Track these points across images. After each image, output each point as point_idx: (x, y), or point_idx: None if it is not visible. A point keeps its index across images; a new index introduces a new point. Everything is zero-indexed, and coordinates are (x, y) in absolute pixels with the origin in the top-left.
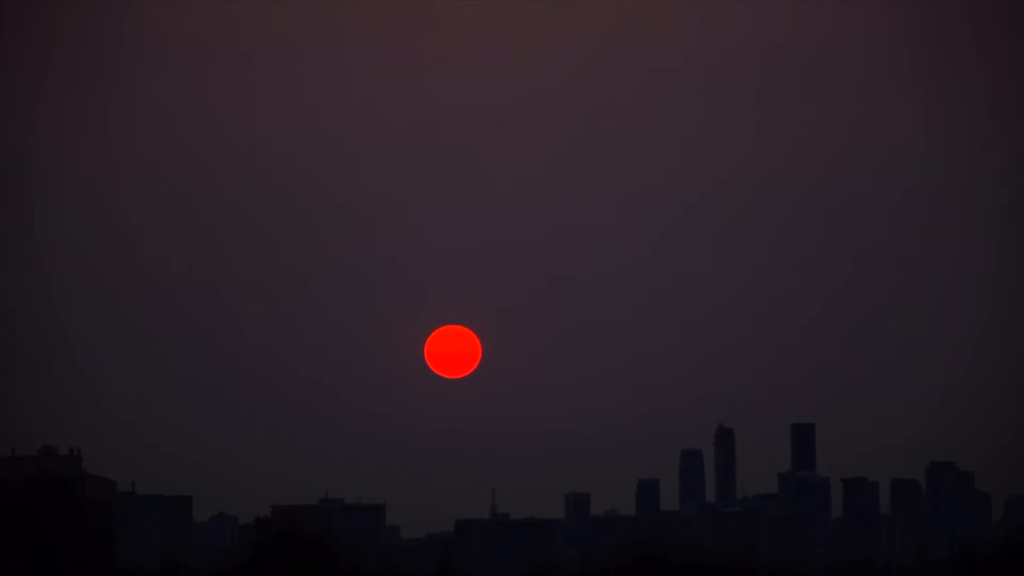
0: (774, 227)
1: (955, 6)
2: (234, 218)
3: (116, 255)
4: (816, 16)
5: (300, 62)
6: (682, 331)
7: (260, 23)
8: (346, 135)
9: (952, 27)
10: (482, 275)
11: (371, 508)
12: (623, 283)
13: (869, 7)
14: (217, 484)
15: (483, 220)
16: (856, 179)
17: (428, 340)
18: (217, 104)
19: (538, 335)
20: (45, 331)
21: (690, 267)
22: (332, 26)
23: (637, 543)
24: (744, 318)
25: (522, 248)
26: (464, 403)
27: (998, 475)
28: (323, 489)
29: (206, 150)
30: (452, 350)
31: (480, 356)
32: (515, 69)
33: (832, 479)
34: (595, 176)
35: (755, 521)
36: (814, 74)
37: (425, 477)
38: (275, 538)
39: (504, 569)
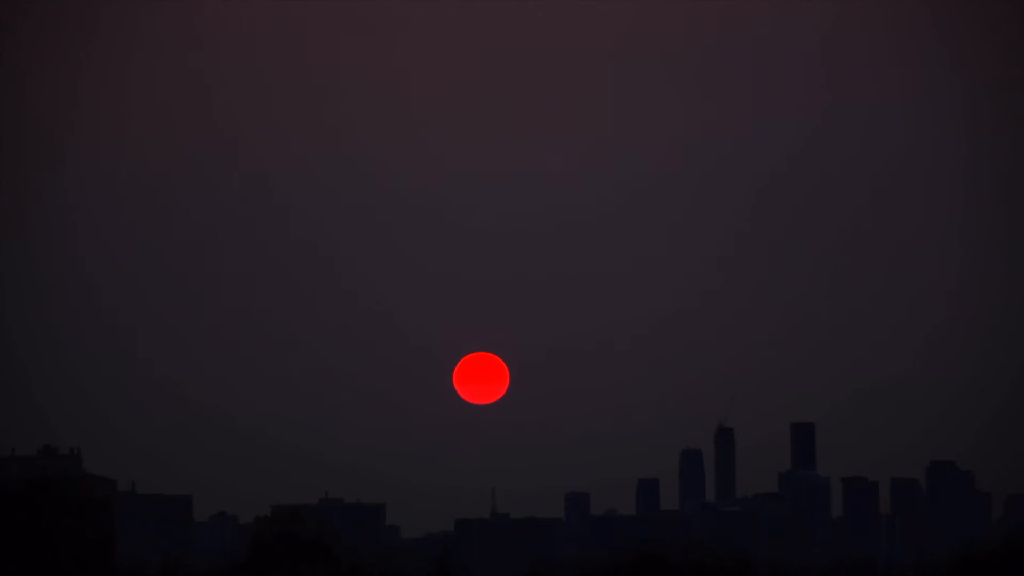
0: (775, 226)
1: None
2: (242, 219)
3: (116, 255)
4: None
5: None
6: (682, 331)
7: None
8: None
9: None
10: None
11: (371, 508)
12: (623, 282)
13: None
14: (217, 484)
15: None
16: (859, 176)
17: (458, 365)
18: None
19: (539, 336)
20: (46, 331)
21: (691, 267)
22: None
23: (637, 543)
24: (745, 318)
25: (522, 246)
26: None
27: (998, 475)
28: (323, 489)
29: (220, 147)
30: (478, 376)
31: (508, 382)
32: (537, 94)
33: (832, 479)
34: (592, 175)
35: (755, 521)
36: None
37: (425, 477)
38: (275, 538)
39: (504, 569)
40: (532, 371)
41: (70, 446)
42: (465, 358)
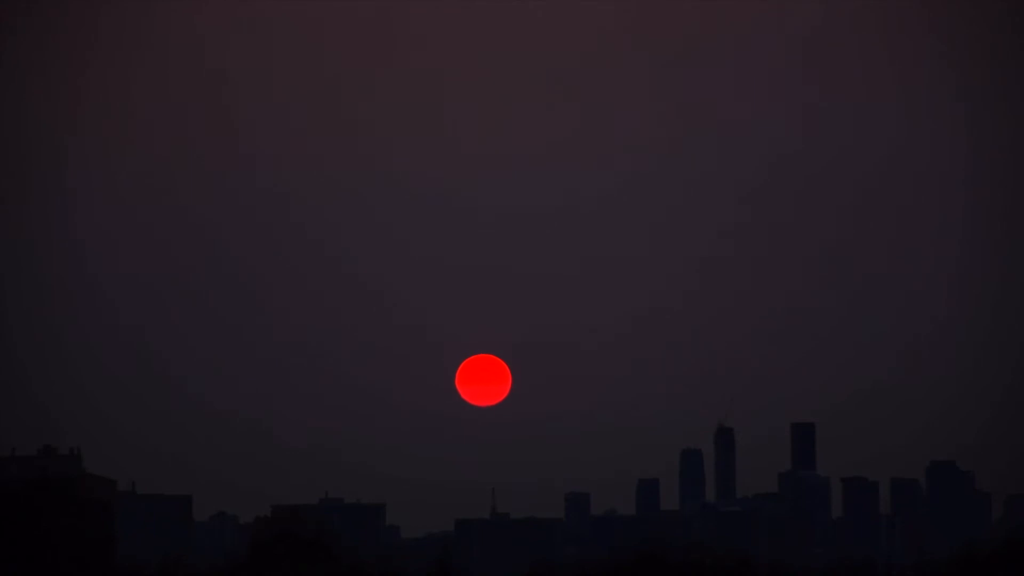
0: (776, 226)
1: None
2: (244, 220)
3: (117, 255)
4: None
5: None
6: (682, 331)
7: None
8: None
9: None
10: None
11: (371, 508)
12: (622, 282)
13: None
14: (217, 484)
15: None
16: (859, 175)
17: (460, 368)
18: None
19: (540, 336)
20: (46, 331)
21: (691, 266)
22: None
23: (637, 543)
24: (744, 317)
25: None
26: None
27: (998, 475)
28: (323, 489)
29: (228, 152)
30: (481, 377)
31: (510, 384)
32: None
33: (832, 479)
34: (592, 175)
35: (755, 521)
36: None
37: (425, 477)
38: (275, 538)
39: (504, 569)
40: (533, 372)
41: (70, 446)
42: (468, 360)
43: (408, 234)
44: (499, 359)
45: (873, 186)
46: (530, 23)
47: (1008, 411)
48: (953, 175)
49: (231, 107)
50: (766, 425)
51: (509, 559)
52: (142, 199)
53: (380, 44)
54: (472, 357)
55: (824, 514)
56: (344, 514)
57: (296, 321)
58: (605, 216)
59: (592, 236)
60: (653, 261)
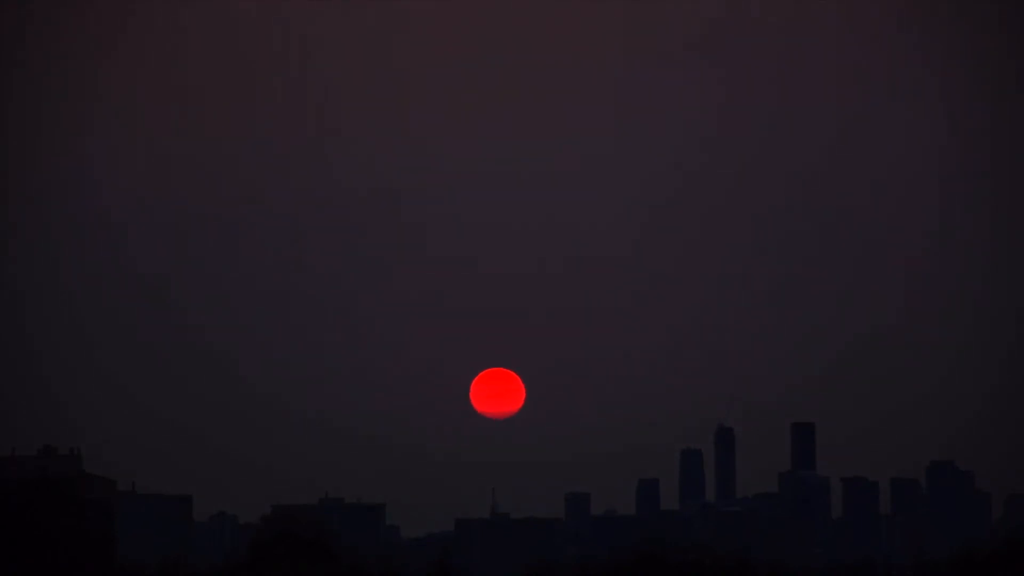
0: (778, 228)
1: None
2: (252, 224)
3: (116, 252)
4: None
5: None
6: (682, 330)
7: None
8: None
9: None
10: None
11: (371, 508)
12: (622, 283)
13: None
14: (217, 484)
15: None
16: (855, 177)
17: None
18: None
19: (540, 338)
20: (46, 331)
21: (690, 266)
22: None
23: (637, 543)
24: (744, 317)
25: (516, 242)
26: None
27: (998, 475)
28: (323, 489)
29: (227, 158)
30: (493, 389)
31: (524, 395)
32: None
33: (832, 479)
34: (595, 177)
35: (755, 521)
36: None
37: (425, 477)
38: (275, 538)
39: (504, 569)
40: (534, 375)
41: (70, 446)
42: (481, 374)
43: (409, 237)
44: (511, 372)
45: (878, 187)
46: (530, 25)
47: (1008, 411)
48: (973, 173)
49: (240, 105)
50: (766, 425)
51: (509, 559)
52: (143, 200)
53: (383, 45)
54: (485, 371)
55: (824, 514)
56: (344, 514)
57: (299, 322)
58: (609, 219)
59: (596, 242)
60: (655, 263)
